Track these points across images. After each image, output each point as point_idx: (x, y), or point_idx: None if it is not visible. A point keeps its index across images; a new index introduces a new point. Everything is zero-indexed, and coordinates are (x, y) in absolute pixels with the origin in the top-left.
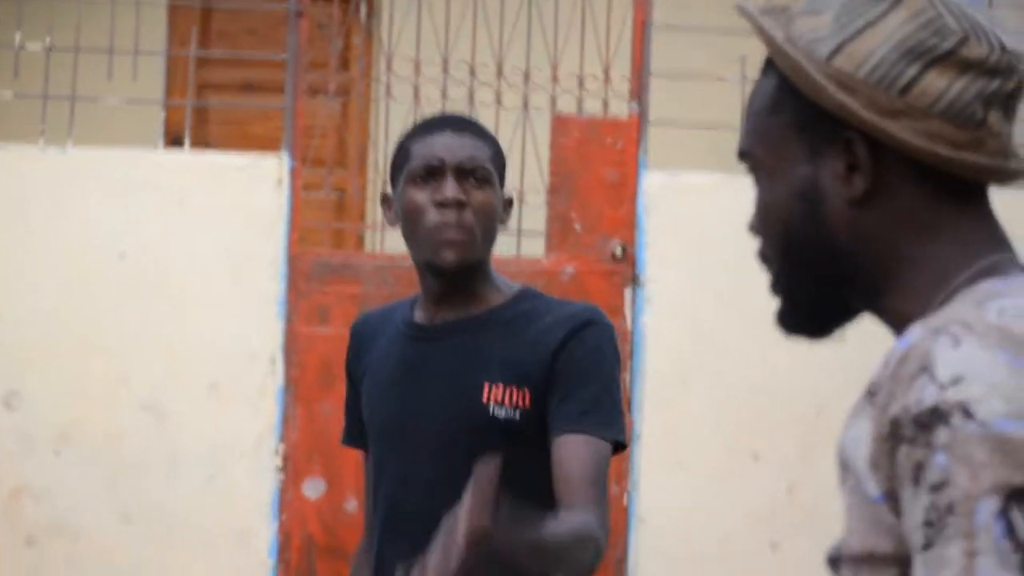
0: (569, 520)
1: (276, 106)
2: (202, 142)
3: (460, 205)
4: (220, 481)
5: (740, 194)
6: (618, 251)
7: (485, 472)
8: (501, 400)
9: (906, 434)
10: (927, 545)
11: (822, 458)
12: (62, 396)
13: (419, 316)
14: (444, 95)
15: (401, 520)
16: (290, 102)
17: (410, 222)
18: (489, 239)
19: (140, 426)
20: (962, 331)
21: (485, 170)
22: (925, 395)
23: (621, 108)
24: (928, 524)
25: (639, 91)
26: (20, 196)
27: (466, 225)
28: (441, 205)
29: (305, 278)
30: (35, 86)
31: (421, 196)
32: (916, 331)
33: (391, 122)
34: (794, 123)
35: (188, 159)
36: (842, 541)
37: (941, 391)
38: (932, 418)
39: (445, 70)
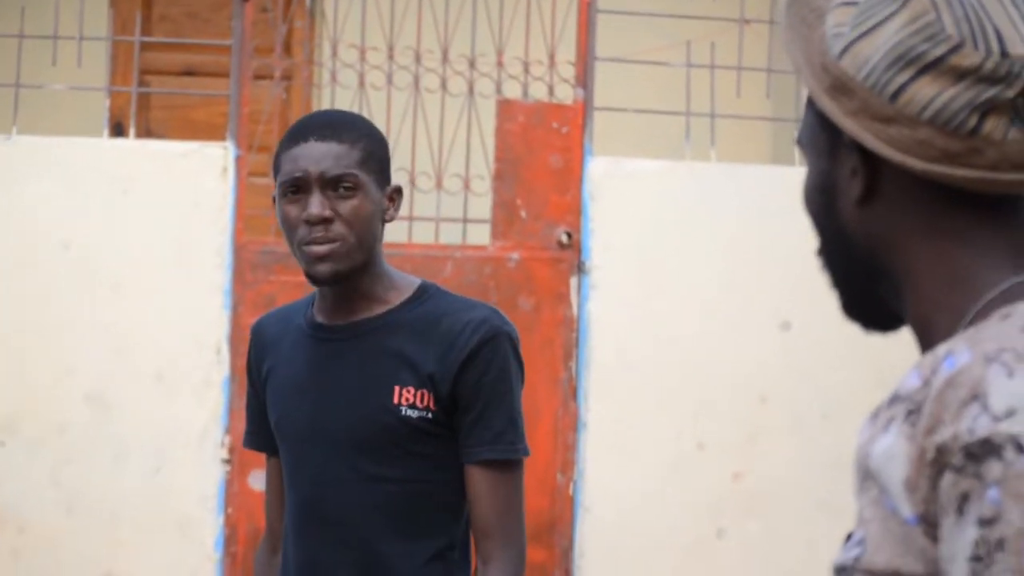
0: None
1: (221, 93)
2: (144, 128)
3: (326, 221)
4: (165, 472)
5: (685, 181)
6: (564, 238)
7: None
8: (412, 402)
9: (953, 462)
10: None
11: (767, 446)
12: (6, 386)
13: (320, 317)
14: (389, 81)
15: (317, 521)
16: (235, 89)
17: (286, 235)
18: (366, 244)
19: (85, 416)
20: (1015, 361)
21: (352, 176)
22: (977, 425)
23: (567, 94)
24: (976, 559)
25: (584, 76)
26: None
27: (334, 239)
28: (307, 222)
29: (251, 267)
30: None
31: (293, 211)
32: (963, 354)
33: (336, 107)
34: (818, 119)
35: (133, 147)
36: (860, 553)
37: (995, 423)
38: (983, 450)
39: (390, 56)
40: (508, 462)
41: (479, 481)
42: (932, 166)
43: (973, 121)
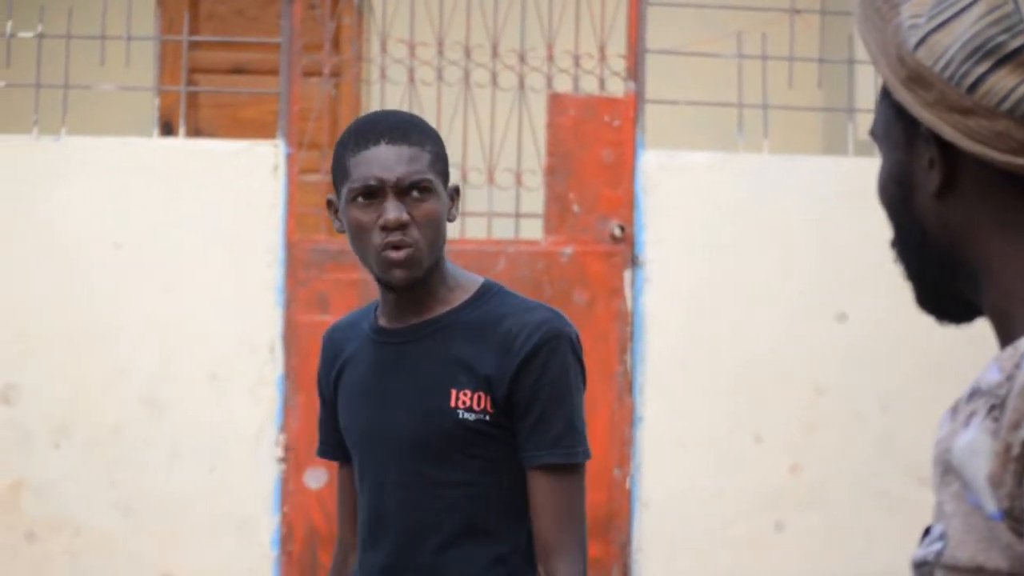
0: None
1: (271, 91)
2: (193, 127)
3: (403, 226)
4: (221, 472)
5: (738, 172)
6: (617, 232)
7: None
8: (469, 405)
9: None
10: None
11: (824, 437)
12: (60, 388)
13: (383, 321)
14: (439, 76)
15: (380, 525)
16: (285, 87)
17: (357, 241)
18: (437, 247)
19: (139, 417)
20: None
21: (426, 181)
22: None
23: (617, 87)
24: None
25: (635, 69)
26: (14, 186)
27: (412, 243)
28: (384, 228)
29: (304, 265)
30: (27, 75)
31: (365, 217)
32: None
33: (386, 103)
34: (894, 109)
35: (183, 146)
36: (942, 548)
37: None
38: None
39: (440, 51)
40: (567, 467)
41: (539, 486)
42: (1011, 158)
43: None
